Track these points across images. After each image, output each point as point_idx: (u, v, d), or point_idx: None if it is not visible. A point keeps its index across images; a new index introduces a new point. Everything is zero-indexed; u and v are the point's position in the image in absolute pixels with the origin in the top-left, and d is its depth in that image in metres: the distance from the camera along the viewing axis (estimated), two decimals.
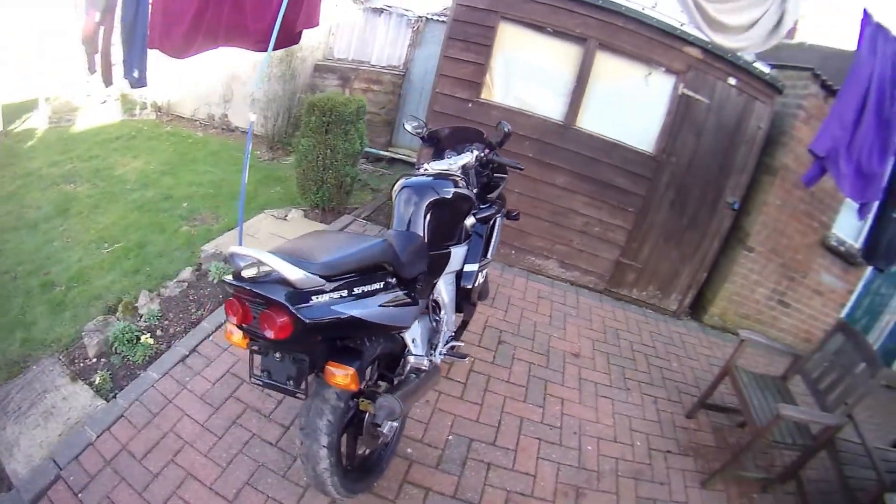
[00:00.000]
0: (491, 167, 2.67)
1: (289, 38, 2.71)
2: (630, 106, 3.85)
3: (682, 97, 3.74)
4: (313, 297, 1.43)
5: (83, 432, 2.13)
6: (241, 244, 2.96)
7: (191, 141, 5.76)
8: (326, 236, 1.95)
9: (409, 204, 2.12)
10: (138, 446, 2.09)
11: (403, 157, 6.08)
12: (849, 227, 4.38)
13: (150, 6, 2.50)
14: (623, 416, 2.98)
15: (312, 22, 2.76)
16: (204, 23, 2.55)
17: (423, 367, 2.04)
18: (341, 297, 1.51)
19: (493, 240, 2.72)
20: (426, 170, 2.32)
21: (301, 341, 1.45)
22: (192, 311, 3.04)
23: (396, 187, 2.22)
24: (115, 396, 2.35)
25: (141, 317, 2.92)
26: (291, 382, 1.52)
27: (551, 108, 3.88)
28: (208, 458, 2.09)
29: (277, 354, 1.52)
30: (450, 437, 2.45)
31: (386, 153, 6.03)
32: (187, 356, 2.59)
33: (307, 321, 1.37)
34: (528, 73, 3.88)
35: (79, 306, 3.03)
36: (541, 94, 3.90)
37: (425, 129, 2.67)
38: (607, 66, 3.73)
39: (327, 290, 1.47)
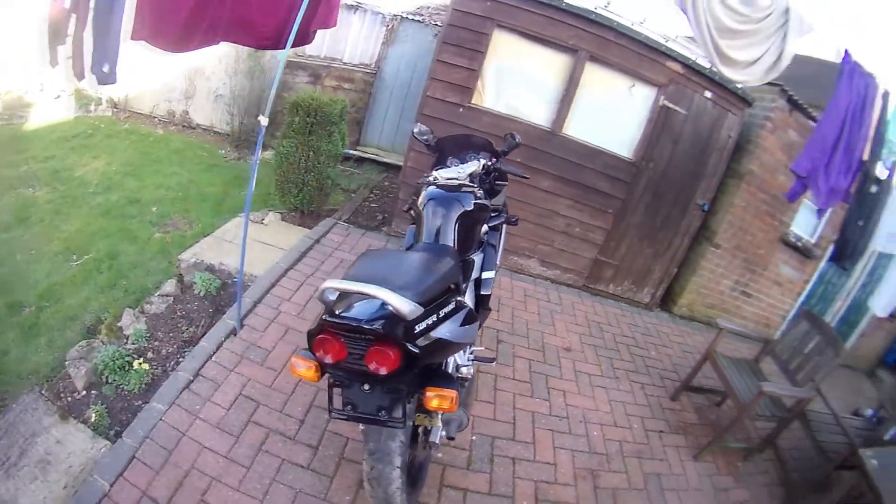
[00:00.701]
0: (494, 175, 2.64)
1: (302, 37, 2.48)
2: (614, 115, 3.95)
3: (663, 108, 3.88)
4: (416, 327, 1.36)
5: (93, 482, 1.83)
6: (243, 260, 2.73)
7: (151, 139, 5.24)
8: (390, 257, 1.84)
9: (436, 216, 2.09)
10: (161, 490, 1.86)
11: (373, 157, 5.91)
12: (806, 224, 4.75)
13: None
14: (618, 402, 3.17)
15: (330, 22, 2.55)
16: (207, 15, 2.26)
17: (470, 376, 2.03)
18: (434, 322, 1.46)
19: (500, 246, 2.73)
20: (435, 178, 2.28)
21: (408, 372, 1.37)
22: (183, 328, 2.78)
23: (422, 199, 2.19)
24: (119, 435, 2.06)
25: (127, 339, 2.63)
26: (384, 413, 1.42)
27: (539, 114, 3.91)
28: (241, 492, 1.92)
29: (366, 386, 1.42)
30: (473, 438, 2.48)
31: (354, 152, 5.82)
32: (192, 381, 2.34)
33: (418, 352, 1.30)
34: (519, 80, 3.87)
35: (54, 329, 2.66)
36: (530, 101, 3.92)
37: (433, 136, 2.64)
38: (595, 77, 3.80)
39: (423, 317, 1.40)
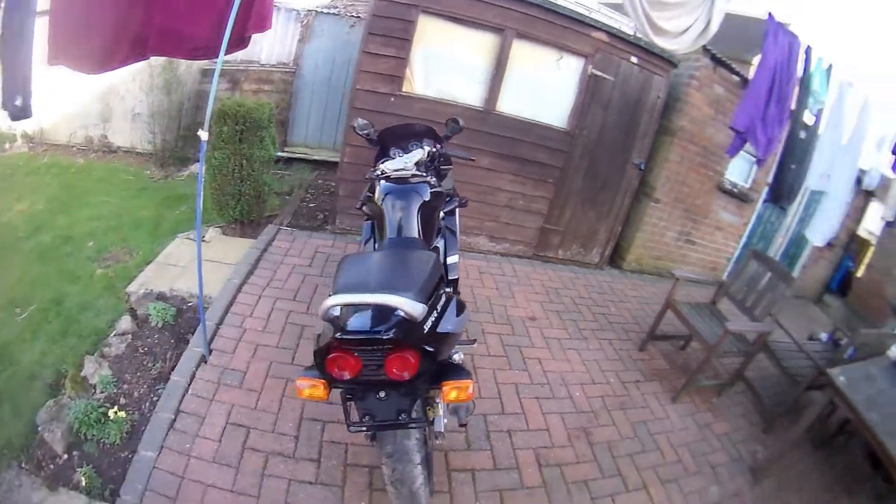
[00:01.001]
0: (440, 160, 2.66)
1: (237, 42, 2.33)
2: (545, 88, 4.03)
3: (591, 77, 4.00)
4: (424, 326, 1.38)
5: None
6: (200, 284, 2.59)
7: (74, 170, 4.80)
8: (373, 260, 1.78)
9: (396, 210, 2.11)
10: None
11: (301, 156, 5.77)
12: (739, 171, 5.11)
13: (43, 12, 1.98)
14: (591, 361, 3.33)
15: (265, 25, 2.39)
16: (130, 29, 2.07)
17: (461, 361, 2.05)
18: (436, 317, 1.48)
19: (458, 229, 2.77)
20: (384, 172, 2.29)
21: (425, 372, 1.38)
22: (150, 365, 2.62)
23: (378, 195, 2.21)
24: (116, 494, 1.92)
25: (95, 388, 2.44)
26: (405, 415, 1.43)
27: (471, 95, 3.92)
28: None
29: (381, 393, 1.42)
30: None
31: (283, 153, 5.65)
32: (174, 420, 2.22)
33: (434, 350, 1.32)
34: (449, 63, 3.85)
35: (15, 394, 2.41)
36: (461, 83, 3.91)
37: (374, 129, 2.63)
38: (523, 53, 3.84)
39: (428, 315, 1.41)
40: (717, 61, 4.32)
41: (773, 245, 5.76)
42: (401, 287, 1.38)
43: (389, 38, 3.63)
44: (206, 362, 2.56)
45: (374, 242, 2.49)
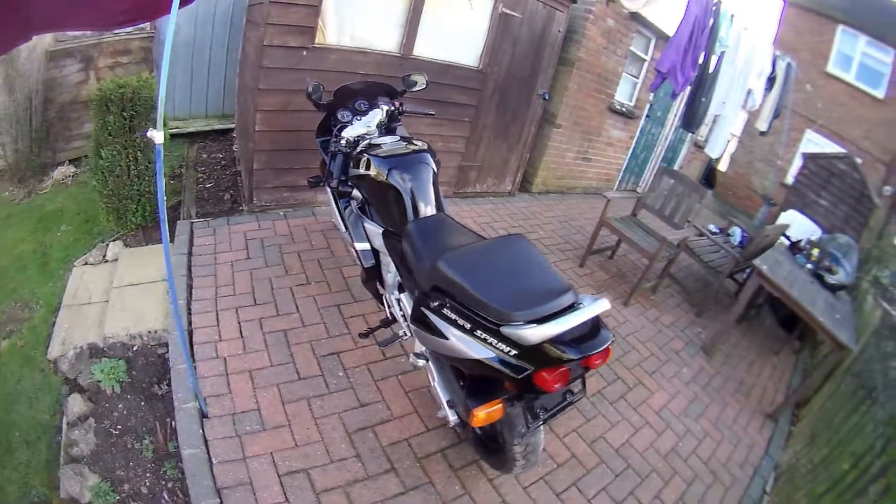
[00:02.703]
0: (398, 118, 2.54)
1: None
2: (459, 29, 3.75)
3: (502, 15, 3.83)
4: None
5: None
6: (177, 311, 2.02)
7: None
8: (492, 259, 1.59)
9: (411, 184, 1.97)
10: None
11: (174, 131, 4.64)
12: (625, 93, 5.48)
13: None
14: None
15: None
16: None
17: None
18: None
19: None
20: (347, 139, 2.19)
21: None
22: (138, 446, 2.06)
23: (377, 171, 2.04)
24: None
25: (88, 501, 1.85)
26: (569, 394, 1.50)
27: (388, 42, 3.47)
28: None
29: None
30: None
31: None
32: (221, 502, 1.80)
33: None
34: (362, 10, 3.30)
35: None
36: (376, 29, 3.41)
37: (322, 91, 2.41)
38: None
39: None
40: None
41: (654, 153, 6.48)
42: (562, 285, 1.37)
43: None
44: (207, 417, 2.07)
45: (365, 221, 2.27)
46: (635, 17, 4.80)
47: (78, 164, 4.19)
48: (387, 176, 1.98)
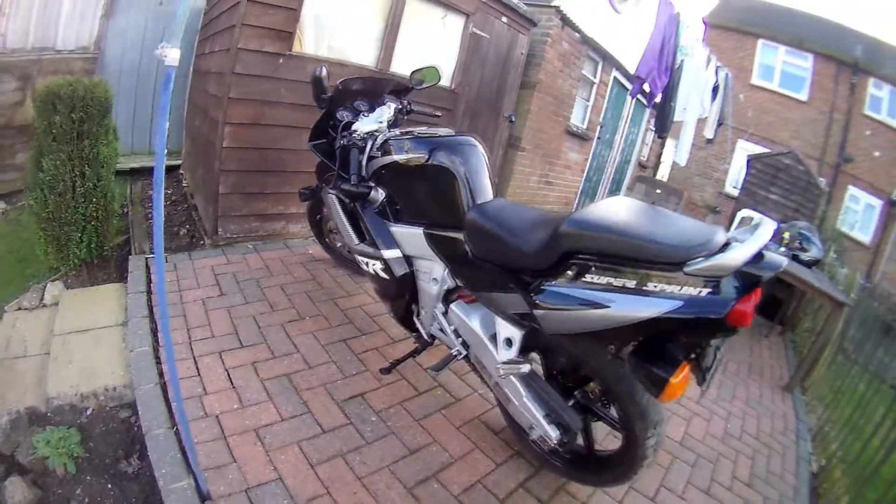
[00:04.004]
0: (405, 117, 2.35)
1: None
2: (433, 47, 3.65)
3: (473, 35, 3.81)
4: None
5: None
6: (176, 384, 1.44)
7: None
8: (634, 208, 1.34)
9: (467, 169, 1.71)
10: None
11: (118, 167, 4.01)
12: (578, 115, 5.63)
13: None
14: None
15: None
16: None
17: None
18: None
19: None
20: (360, 133, 1.98)
21: None
22: None
23: (417, 156, 1.79)
24: None
25: None
26: (717, 351, 1.25)
27: (365, 56, 3.28)
28: None
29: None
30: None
31: None
32: None
33: None
34: (342, 20, 3.10)
35: None
36: (354, 42, 3.21)
37: (328, 80, 2.17)
38: (415, 9, 3.37)
39: None
40: (565, 21, 4.63)
41: (605, 174, 6.59)
42: (703, 223, 1.20)
43: None
44: (210, 499, 1.43)
45: (389, 225, 1.94)
46: (586, 40, 5.05)
47: (9, 199, 3.51)
48: (435, 159, 1.71)
